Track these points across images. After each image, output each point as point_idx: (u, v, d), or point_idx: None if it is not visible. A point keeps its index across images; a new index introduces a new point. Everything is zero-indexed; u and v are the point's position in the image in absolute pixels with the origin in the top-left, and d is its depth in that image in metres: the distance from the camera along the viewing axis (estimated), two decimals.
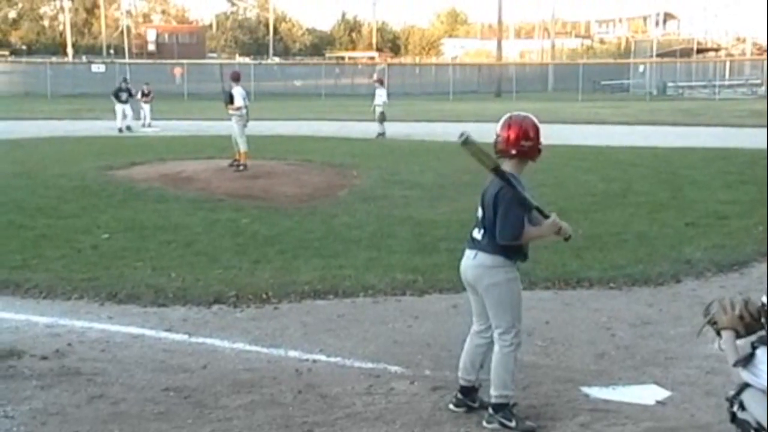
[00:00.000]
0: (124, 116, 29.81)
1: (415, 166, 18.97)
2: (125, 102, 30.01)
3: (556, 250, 9.59)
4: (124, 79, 31.27)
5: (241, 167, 17.81)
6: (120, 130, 28.87)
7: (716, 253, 10.45)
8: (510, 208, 5.25)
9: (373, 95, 29.09)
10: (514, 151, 5.36)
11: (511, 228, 5.25)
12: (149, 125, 31.85)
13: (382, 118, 28.40)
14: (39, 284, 9.05)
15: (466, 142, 5.10)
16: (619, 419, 5.65)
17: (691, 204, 14.00)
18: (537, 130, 5.43)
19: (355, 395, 6.09)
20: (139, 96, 32.79)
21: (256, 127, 27.03)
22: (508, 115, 5.48)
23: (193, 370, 6.62)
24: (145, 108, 32.64)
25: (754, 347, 3.97)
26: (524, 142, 5.37)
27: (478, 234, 5.48)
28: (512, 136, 5.36)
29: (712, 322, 4.19)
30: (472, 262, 5.50)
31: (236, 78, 19.49)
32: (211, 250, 10.83)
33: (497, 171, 5.27)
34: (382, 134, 27.97)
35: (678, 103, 50.53)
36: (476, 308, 5.66)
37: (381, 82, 30.27)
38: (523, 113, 5.51)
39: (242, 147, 18.20)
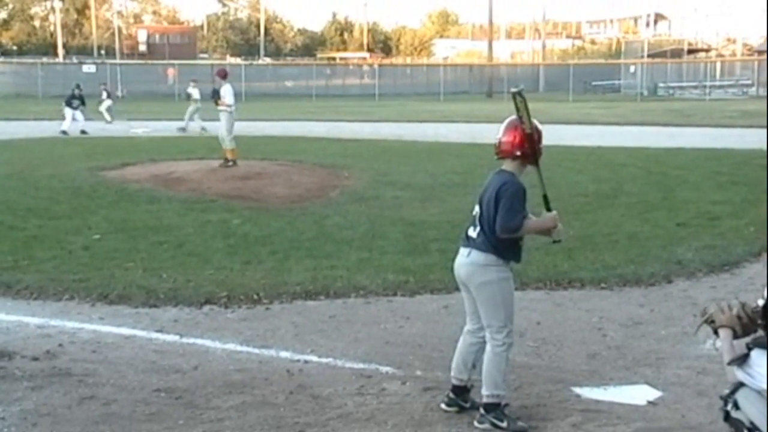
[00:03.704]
0: (74, 120, 29.82)
1: (407, 166, 18.96)
2: (76, 108, 30.27)
3: (548, 251, 9.61)
4: (77, 86, 31.54)
5: (230, 163, 17.91)
6: (64, 133, 28.77)
7: (707, 253, 10.48)
8: (512, 201, 5.33)
9: (188, 96, 31.76)
10: (518, 153, 5.46)
11: (511, 220, 5.32)
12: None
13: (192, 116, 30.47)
14: (30, 285, 9.04)
15: (521, 95, 5.38)
16: (610, 419, 5.66)
17: (683, 204, 14.03)
18: (540, 134, 5.53)
19: (346, 396, 6.09)
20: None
21: (247, 128, 27.01)
22: (513, 117, 5.54)
23: (185, 371, 6.62)
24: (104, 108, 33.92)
25: (749, 348, 4.00)
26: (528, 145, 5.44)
27: (473, 232, 5.52)
28: (518, 138, 5.45)
29: (710, 321, 4.22)
30: (465, 259, 5.53)
31: (223, 75, 19.70)
32: (202, 251, 10.81)
33: (531, 137, 5.43)
34: (183, 129, 30.04)
35: (669, 104, 50.64)
36: (469, 307, 5.67)
37: (195, 81, 32.58)
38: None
39: (227, 145, 18.37)
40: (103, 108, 34.71)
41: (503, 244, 5.40)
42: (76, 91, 30.86)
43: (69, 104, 30.26)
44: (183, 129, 29.95)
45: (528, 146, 5.44)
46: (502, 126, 5.56)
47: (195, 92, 30.94)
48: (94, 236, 11.58)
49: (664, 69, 69.44)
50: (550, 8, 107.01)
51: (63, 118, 29.83)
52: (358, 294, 8.85)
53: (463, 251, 5.57)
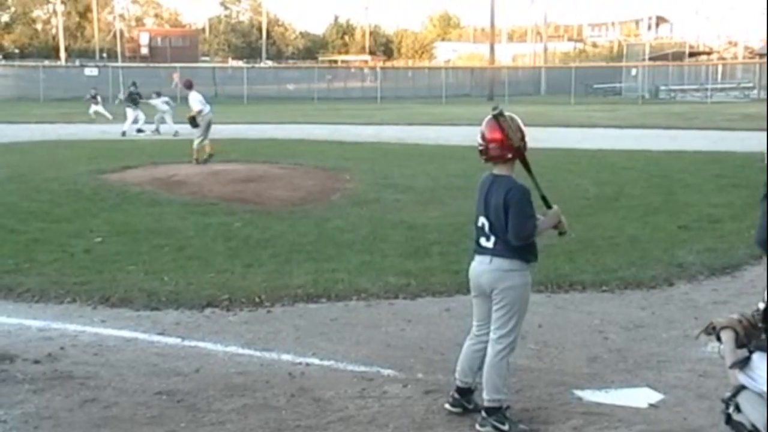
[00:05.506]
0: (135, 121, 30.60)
1: (408, 169, 18.97)
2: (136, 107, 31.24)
3: (549, 254, 9.59)
4: (134, 84, 32.43)
5: (193, 161, 18.99)
6: (139, 131, 30.09)
7: (708, 256, 10.47)
8: (522, 207, 5.27)
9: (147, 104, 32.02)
10: (510, 155, 5.37)
11: (525, 227, 5.28)
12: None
13: (162, 121, 31.26)
14: (31, 288, 9.03)
15: (502, 114, 5.28)
16: (611, 422, 5.66)
17: (684, 207, 14.02)
18: (521, 128, 5.39)
19: (347, 399, 6.09)
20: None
21: (249, 131, 27.07)
22: (490, 116, 5.37)
23: (186, 374, 6.61)
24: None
25: (750, 351, 4.00)
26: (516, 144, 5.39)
27: (488, 242, 5.43)
28: (505, 139, 5.33)
29: (711, 328, 4.23)
30: (487, 267, 5.44)
31: (188, 86, 20.87)
32: (203, 253, 10.81)
33: (519, 150, 5.36)
34: (156, 131, 30.93)
35: (670, 107, 50.58)
36: (480, 313, 5.63)
37: (159, 93, 33.00)
38: (506, 113, 5.39)
39: (195, 144, 19.61)
40: (96, 110, 36.11)
41: (524, 247, 5.36)
42: (133, 89, 31.65)
43: (134, 103, 30.88)
44: (157, 130, 30.76)
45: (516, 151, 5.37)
46: (483, 129, 5.38)
47: (158, 102, 31.48)
48: (96, 239, 11.59)
49: (666, 72, 69.35)
50: (551, 11, 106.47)
51: (135, 120, 30.59)
52: (360, 297, 8.84)
53: (483, 259, 5.47)
